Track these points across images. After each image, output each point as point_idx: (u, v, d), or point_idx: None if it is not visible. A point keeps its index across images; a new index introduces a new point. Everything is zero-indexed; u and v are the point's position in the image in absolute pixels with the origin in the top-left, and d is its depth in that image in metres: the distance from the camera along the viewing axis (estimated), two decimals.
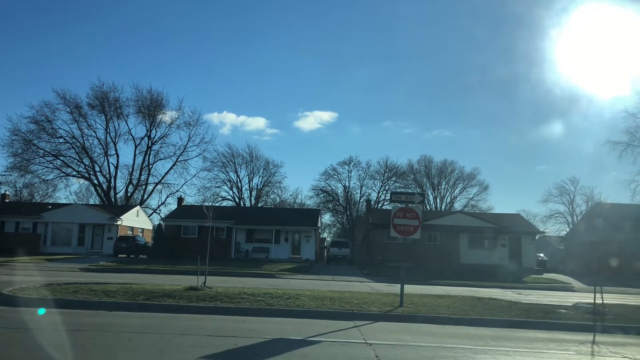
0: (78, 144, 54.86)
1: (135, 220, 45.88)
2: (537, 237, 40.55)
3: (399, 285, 12.95)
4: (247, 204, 66.21)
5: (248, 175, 68.72)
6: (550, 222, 71.55)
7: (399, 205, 12.91)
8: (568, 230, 62.61)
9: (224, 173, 66.85)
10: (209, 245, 15.64)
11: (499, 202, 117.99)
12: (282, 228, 39.15)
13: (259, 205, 66.05)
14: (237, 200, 67.51)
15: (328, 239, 67.70)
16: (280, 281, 23.71)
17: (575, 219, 67.98)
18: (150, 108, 56.95)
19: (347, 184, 67.71)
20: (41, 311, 10.20)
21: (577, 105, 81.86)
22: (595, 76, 79.15)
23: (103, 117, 56.25)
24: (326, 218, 73.52)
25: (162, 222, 42.66)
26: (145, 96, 56.22)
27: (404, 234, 12.76)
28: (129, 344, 7.73)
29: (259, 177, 69.33)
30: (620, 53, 78.33)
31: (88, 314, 10.59)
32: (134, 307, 11.41)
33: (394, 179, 64.40)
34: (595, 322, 11.23)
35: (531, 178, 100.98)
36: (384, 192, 63.03)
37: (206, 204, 59.46)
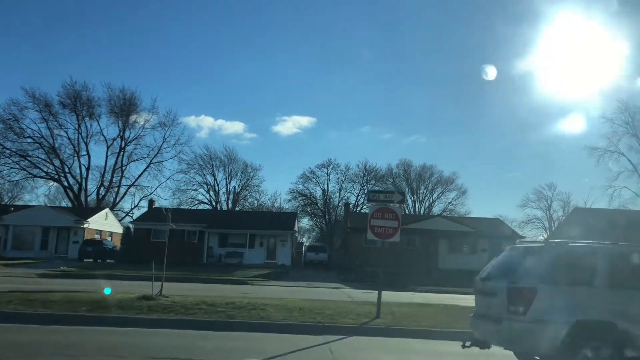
0: (47, 144, 52.52)
1: (104, 224, 43.88)
2: (517, 242, 39.85)
3: (377, 293, 11.75)
4: (224, 207, 64.45)
5: (225, 178, 67.04)
6: (528, 227, 71.24)
7: (377, 205, 11.71)
8: (546, 235, 62.40)
9: (200, 176, 65.03)
10: (166, 249, 14.28)
11: (477, 207, 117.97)
12: (257, 232, 37.68)
13: (237, 209, 64.36)
14: (214, 203, 65.72)
15: (307, 244, 66.34)
16: (251, 288, 22.33)
17: (552, 224, 67.87)
18: (123, 108, 54.95)
19: (325, 187, 66.42)
20: None
21: (556, 110, 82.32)
22: (574, 82, 79.60)
23: (74, 116, 54.04)
24: (305, 222, 72.24)
25: (131, 225, 40.81)
26: (118, 96, 54.23)
27: (382, 237, 11.56)
28: None
29: (237, 180, 67.71)
30: (600, 60, 78.91)
31: (15, 329, 9.11)
32: (73, 320, 9.97)
33: (373, 182, 63.31)
34: None
35: (509, 183, 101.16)
36: (363, 195, 62.01)
37: (182, 207, 57.73)
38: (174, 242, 37.73)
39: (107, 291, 12.38)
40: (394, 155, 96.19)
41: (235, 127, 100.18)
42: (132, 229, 38.57)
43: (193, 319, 10.27)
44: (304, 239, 76.71)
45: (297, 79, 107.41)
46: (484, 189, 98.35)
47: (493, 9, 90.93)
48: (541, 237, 64.47)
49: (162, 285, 13.21)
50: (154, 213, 42.56)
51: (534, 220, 71.05)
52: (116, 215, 56.93)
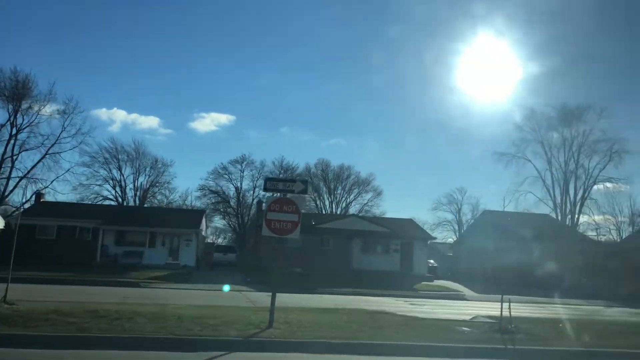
0: None
1: None
2: (428, 242, 39.99)
3: (283, 296, 10.06)
4: (132, 204, 59.94)
5: (133, 173, 62.47)
6: (439, 229, 73.16)
7: (276, 195, 10.00)
8: (456, 237, 64.11)
9: (105, 170, 59.86)
10: (14, 245, 11.66)
11: (392, 209, 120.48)
12: (159, 230, 34.62)
13: (145, 206, 60.10)
14: (120, 200, 60.87)
15: (222, 244, 63.30)
16: (142, 292, 19.93)
17: (462, 227, 69.99)
18: (15, 91, 49.08)
19: (239, 184, 63.58)
20: None
21: (468, 117, 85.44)
22: (489, 91, 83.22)
23: None
24: (219, 222, 69.25)
25: (12, 221, 36.10)
26: (8, 77, 48.19)
27: (280, 233, 9.85)
28: None
29: (146, 176, 63.34)
30: (512, 72, 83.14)
31: None
32: None
33: None
34: (506, 345, 9.12)
35: (423, 186, 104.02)
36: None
37: (85, 203, 52.80)
38: (63, 240, 33.90)
39: None
40: (313, 157, 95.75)
41: (149, 121, 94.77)
42: (13, 225, 34.00)
43: (33, 333, 7.97)
44: (219, 240, 73.66)
45: (217, 76, 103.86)
46: (399, 191, 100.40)
47: (414, 22, 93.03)
48: (450, 240, 66.28)
49: (6, 287, 10.67)
50: (42, 207, 38.14)
51: (445, 222, 73.14)
52: (4, 211, 50.87)
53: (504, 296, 11.62)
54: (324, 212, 64.38)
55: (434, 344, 8.82)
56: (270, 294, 9.75)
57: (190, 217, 38.87)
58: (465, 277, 37.40)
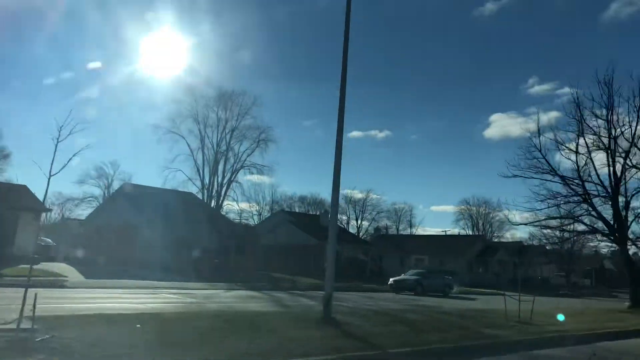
0: None
1: None
2: (47, 216, 32.53)
3: None
4: None
5: None
6: (84, 205, 65.05)
7: None
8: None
9: None
10: None
11: (27, 179, 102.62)
12: None
13: None
14: None
15: None
16: None
17: None
18: None
19: None
20: None
21: (132, 86, 78.78)
22: (156, 63, 78.84)
23: None
24: None
25: None
26: None
27: None
28: None
29: None
30: (181, 49, 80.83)
31: None
32: None
33: None
34: None
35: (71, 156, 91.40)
36: None
37: None
38: None
39: None
40: None
41: None
42: None
43: None
44: None
45: None
46: (40, 159, 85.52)
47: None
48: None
49: None
50: None
51: (91, 198, 65.65)
52: None
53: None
54: None
55: None
56: None
57: None
58: (89, 259, 31.70)
